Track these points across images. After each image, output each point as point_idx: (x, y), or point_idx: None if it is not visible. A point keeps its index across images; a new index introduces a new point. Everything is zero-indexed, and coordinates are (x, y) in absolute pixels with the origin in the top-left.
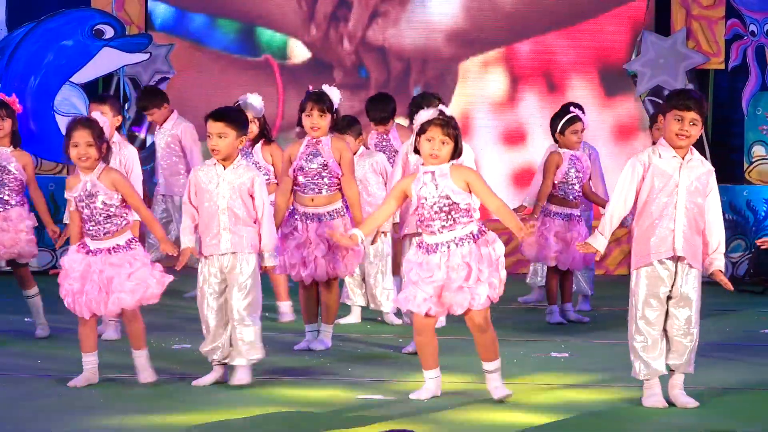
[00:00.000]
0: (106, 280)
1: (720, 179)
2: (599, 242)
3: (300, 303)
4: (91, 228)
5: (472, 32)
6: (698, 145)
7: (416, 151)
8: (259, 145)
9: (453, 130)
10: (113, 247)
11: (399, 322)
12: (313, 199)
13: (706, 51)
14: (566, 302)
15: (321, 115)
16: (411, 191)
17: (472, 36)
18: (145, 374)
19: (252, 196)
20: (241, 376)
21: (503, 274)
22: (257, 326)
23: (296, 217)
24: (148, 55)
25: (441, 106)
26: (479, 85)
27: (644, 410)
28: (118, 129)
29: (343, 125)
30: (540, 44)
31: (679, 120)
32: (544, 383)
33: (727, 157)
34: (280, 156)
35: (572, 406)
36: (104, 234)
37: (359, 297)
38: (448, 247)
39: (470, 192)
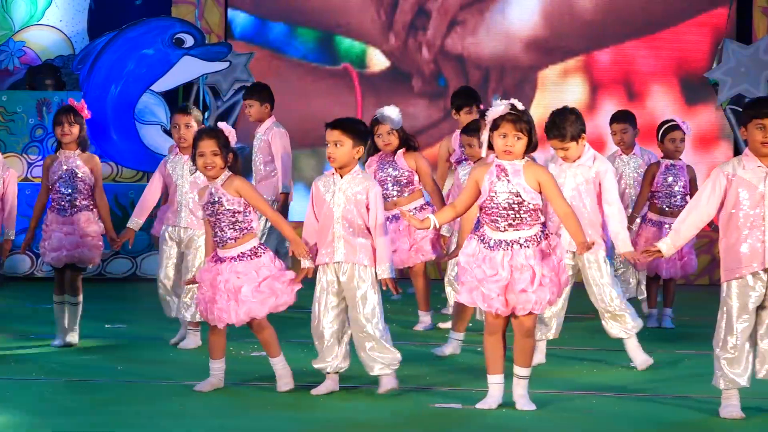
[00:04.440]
0: (234, 289)
1: None
2: (665, 246)
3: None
4: (216, 234)
5: (551, 40)
6: None
7: (490, 146)
8: (400, 152)
9: (526, 124)
10: (238, 255)
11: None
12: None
13: None
14: (666, 307)
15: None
16: (483, 182)
17: (551, 44)
18: (283, 382)
19: (368, 207)
20: (387, 383)
21: (564, 278)
22: (387, 334)
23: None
24: (227, 64)
25: (513, 100)
26: (558, 94)
27: (721, 421)
28: None
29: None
30: (620, 52)
31: (761, 128)
32: (622, 393)
33: None
34: (424, 163)
35: (647, 416)
36: (228, 240)
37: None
38: (512, 246)
39: (540, 192)
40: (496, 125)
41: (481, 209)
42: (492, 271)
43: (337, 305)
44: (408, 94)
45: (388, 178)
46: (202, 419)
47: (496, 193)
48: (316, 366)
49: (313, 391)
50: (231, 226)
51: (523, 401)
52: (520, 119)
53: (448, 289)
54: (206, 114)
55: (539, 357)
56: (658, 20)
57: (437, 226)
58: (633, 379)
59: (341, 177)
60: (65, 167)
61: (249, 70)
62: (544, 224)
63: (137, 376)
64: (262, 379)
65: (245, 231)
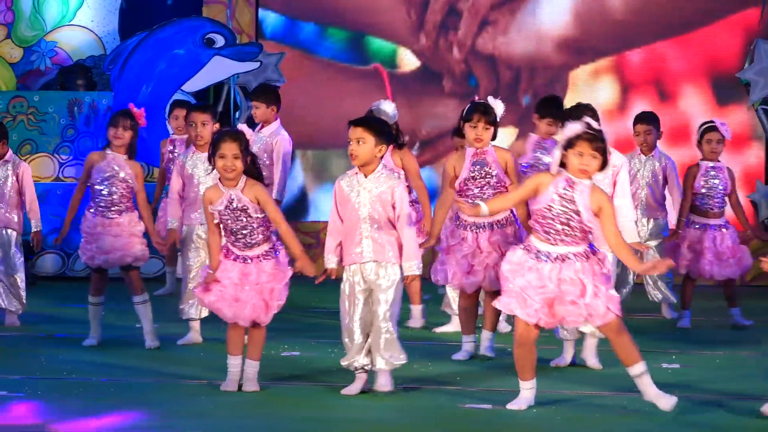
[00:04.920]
0: (265, 289)
1: None
2: None
3: (460, 313)
4: (238, 240)
5: (582, 40)
6: None
7: (562, 164)
8: (388, 150)
9: (602, 143)
10: (264, 254)
11: (509, 329)
12: None
13: None
14: (732, 307)
15: (486, 128)
16: (546, 190)
17: (582, 44)
18: (250, 384)
19: (393, 206)
20: (385, 382)
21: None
22: (397, 333)
23: (463, 227)
24: (258, 64)
25: (587, 119)
26: (589, 94)
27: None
28: None
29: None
30: (651, 53)
31: None
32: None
33: None
34: (411, 161)
35: (683, 419)
36: (255, 243)
37: None
38: (562, 260)
39: (597, 216)
40: (571, 144)
41: (532, 216)
42: (539, 283)
43: (365, 303)
44: (438, 94)
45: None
46: (229, 419)
47: (556, 205)
48: (343, 363)
49: (344, 391)
50: (254, 231)
51: (662, 400)
52: (596, 138)
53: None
54: (237, 114)
55: (567, 357)
56: (689, 20)
57: (487, 213)
58: (683, 379)
59: (365, 176)
60: (112, 169)
61: (280, 70)
62: (592, 245)
63: (165, 375)
64: (291, 378)
65: (267, 235)
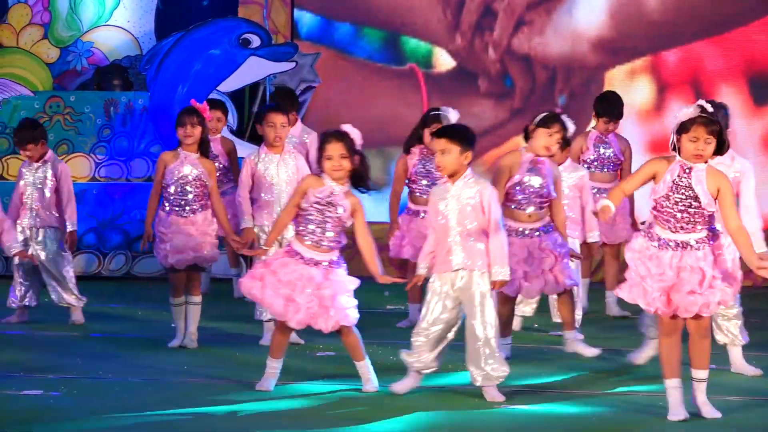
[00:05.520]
0: (327, 296)
1: None
2: None
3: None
4: (316, 234)
5: (619, 40)
6: None
7: (674, 148)
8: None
9: (717, 126)
10: (331, 262)
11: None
12: (530, 215)
13: None
14: None
15: (559, 142)
16: (664, 177)
17: (618, 44)
18: (369, 385)
19: (483, 210)
20: (494, 394)
21: (739, 274)
22: (497, 343)
23: (508, 233)
24: (294, 64)
25: (701, 101)
26: (625, 94)
27: None
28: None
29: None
30: (687, 52)
31: None
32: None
33: None
34: None
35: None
36: (324, 243)
37: (527, 307)
38: (683, 248)
39: (716, 199)
40: (685, 128)
41: (652, 206)
42: (658, 270)
43: (449, 312)
44: (474, 94)
45: (429, 175)
46: (260, 419)
47: (674, 191)
48: (407, 359)
49: (394, 387)
50: (336, 233)
51: (707, 408)
52: (711, 122)
53: None
54: None
55: (644, 355)
56: (726, 20)
57: (613, 210)
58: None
59: (453, 183)
60: (185, 168)
61: (315, 70)
62: (714, 226)
63: (201, 375)
64: (326, 378)
65: (342, 243)
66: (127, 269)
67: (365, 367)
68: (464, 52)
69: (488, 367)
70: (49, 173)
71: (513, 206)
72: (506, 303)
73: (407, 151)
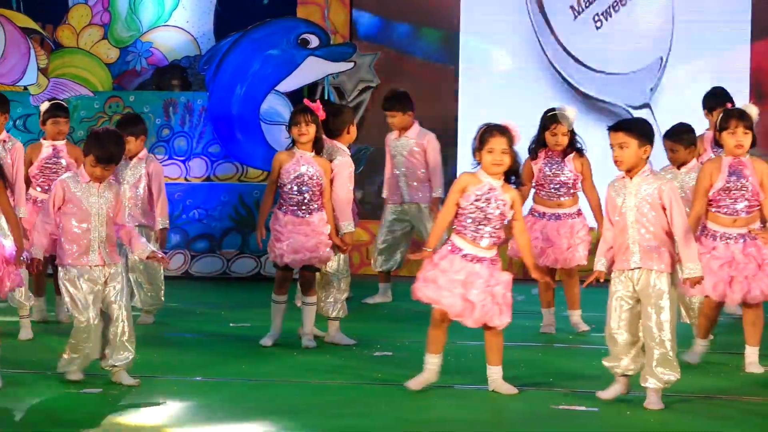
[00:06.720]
0: (495, 293)
1: None
2: None
3: (700, 319)
4: (479, 231)
5: (678, 39)
6: None
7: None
8: (571, 156)
9: (750, 121)
10: (492, 260)
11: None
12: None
13: None
14: None
15: (745, 134)
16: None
17: (678, 43)
18: (505, 388)
19: (663, 207)
20: (655, 401)
21: None
22: (673, 347)
23: (712, 237)
24: (352, 64)
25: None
26: (684, 94)
27: None
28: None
29: None
30: (747, 52)
31: None
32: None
33: None
34: (589, 169)
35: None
36: (485, 238)
37: None
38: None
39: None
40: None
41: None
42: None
43: (630, 311)
44: (536, 94)
45: (555, 179)
46: (322, 418)
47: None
48: (607, 364)
49: (599, 394)
50: (495, 227)
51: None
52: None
53: None
54: None
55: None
56: None
57: None
58: None
59: (631, 179)
60: (301, 167)
61: (373, 70)
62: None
63: (258, 375)
64: (383, 379)
65: (503, 233)
66: (186, 269)
67: (498, 373)
68: (523, 51)
69: (658, 369)
70: (143, 171)
71: (717, 212)
72: (713, 308)
73: (533, 157)
